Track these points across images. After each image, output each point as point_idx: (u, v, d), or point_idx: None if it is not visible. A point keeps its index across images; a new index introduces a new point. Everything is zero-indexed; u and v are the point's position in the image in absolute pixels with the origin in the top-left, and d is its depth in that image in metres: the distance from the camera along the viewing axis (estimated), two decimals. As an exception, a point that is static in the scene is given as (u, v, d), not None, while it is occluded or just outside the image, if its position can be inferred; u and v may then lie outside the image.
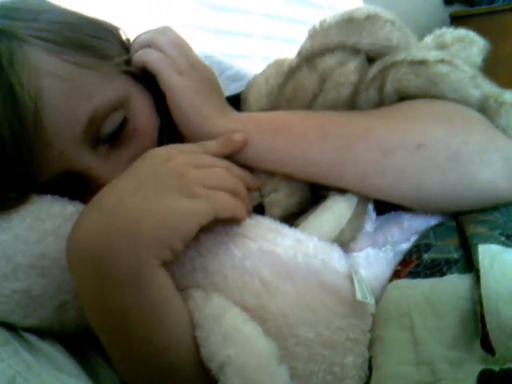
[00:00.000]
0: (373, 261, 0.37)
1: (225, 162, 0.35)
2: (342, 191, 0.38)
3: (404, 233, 0.40)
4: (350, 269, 0.34)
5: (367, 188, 0.37)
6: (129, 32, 0.44)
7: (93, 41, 0.37)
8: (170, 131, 0.40)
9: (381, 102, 0.39)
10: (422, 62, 0.37)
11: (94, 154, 0.36)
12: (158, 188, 0.29)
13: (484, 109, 0.38)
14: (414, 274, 0.33)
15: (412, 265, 0.35)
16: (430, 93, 0.37)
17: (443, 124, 0.36)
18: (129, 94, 0.38)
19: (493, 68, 0.43)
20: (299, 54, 0.41)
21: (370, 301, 0.32)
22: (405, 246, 0.39)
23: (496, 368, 0.25)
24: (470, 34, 0.43)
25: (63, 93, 0.33)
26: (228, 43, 0.91)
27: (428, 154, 0.34)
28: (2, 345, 0.30)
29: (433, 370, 0.27)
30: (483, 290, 0.28)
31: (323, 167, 0.36)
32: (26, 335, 0.33)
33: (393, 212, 0.41)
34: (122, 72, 0.39)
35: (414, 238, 0.39)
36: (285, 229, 0.35)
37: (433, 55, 0.37)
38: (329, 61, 0.39)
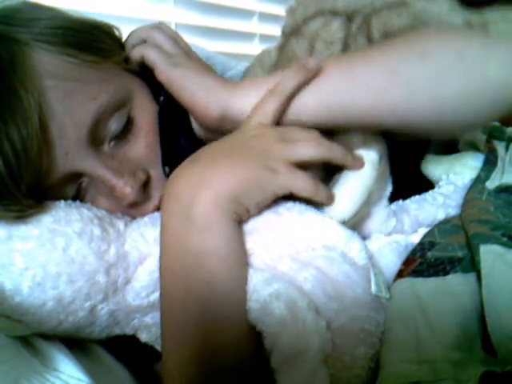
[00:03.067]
0: (385, 252, 0.37)
1: (314, 135, 0.35)
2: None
3: (412, 223, 0.40)
4: (368, 261, 0.34)
5: (382, 110, 0.35)
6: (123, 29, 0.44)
7: (92, 42, 0.38)
8: (171, 116, 0.41)
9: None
10: (401, 3, 0.39)
11: (99, 154, 0.37)
12: (245, 157, 0.32)
13: None
14: (417, 273, 0.33)
15: (415, 263, 0.35)
16: (416, 28, 0.38)
17: (440, 35, 0.36)
18: (131, 92, 0.39)
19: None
20: (283, 33, 0.43)
21: (385, 295, 0.32)
22: (413, 237, 0.39)
23: (498, 370, 0.25)
24: None
25: (67, 93, 0.34)
26: (226, 43, 0.91)
27: (432, 61, 0.34)
28: (4, 346, 0.30)
29: (434, 369, 0.27)
30: (484, 292, 0.28)
31: (335, 96, 0.35)
32: (28, 336, 0.33)
33: (400, 201, 0.41)
34: (123, 70, 0.40)
35: (421, 230, 0.40)
36: (308, 215, 0.34)
37: None
38: (313, 26, 0.41)
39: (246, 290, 0.30)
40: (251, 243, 0.33)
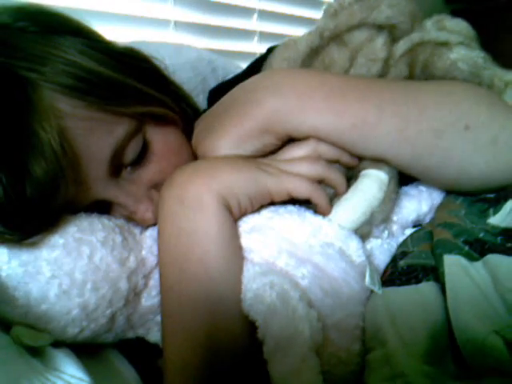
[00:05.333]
0: (377, 254, 0.38)
1: (313, 156, 0.37)
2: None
3: (398, 227, 0.40)
4: (365, 259, 0.34)
5: (417, 168, 0.37)
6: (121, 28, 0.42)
7: (106, 90, 0.35)
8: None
9: (410, 77, 0.40)
10: (445, 44, 0.39)
11: (119, 181, 0.37)
12: (241, 161, 0.35)
13: (490, 87, 0.40)
14: (389, 283, 0.33)
15: (386, 274, 0.35)
16: (452, 73, 0.39)
17: (484, 108, 0.37)
18: (145, 115, 0.38)
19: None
20: (321, 34, 0.41)
21: (378, 290, 0.33)
22: (401, 239, 0.40)
23: None
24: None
25: (85, 132, 0.33)
26: (225, 41, 0.92)
27: (472, 137, 0.35)
28: (5, 347, 0.29)
29: (408, 382, 0.27)
30: (450, 308, 0.28)
31: (381, 146, 0.36)
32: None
33: None
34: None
35: (408, 230, 0.40)
36: (307, 215, 0.35)
37: (453, 38, 0.40)
38: (358, 37, 0.40)
39: (239, 276, 0.32)
40: (251, 240, 0.34)
